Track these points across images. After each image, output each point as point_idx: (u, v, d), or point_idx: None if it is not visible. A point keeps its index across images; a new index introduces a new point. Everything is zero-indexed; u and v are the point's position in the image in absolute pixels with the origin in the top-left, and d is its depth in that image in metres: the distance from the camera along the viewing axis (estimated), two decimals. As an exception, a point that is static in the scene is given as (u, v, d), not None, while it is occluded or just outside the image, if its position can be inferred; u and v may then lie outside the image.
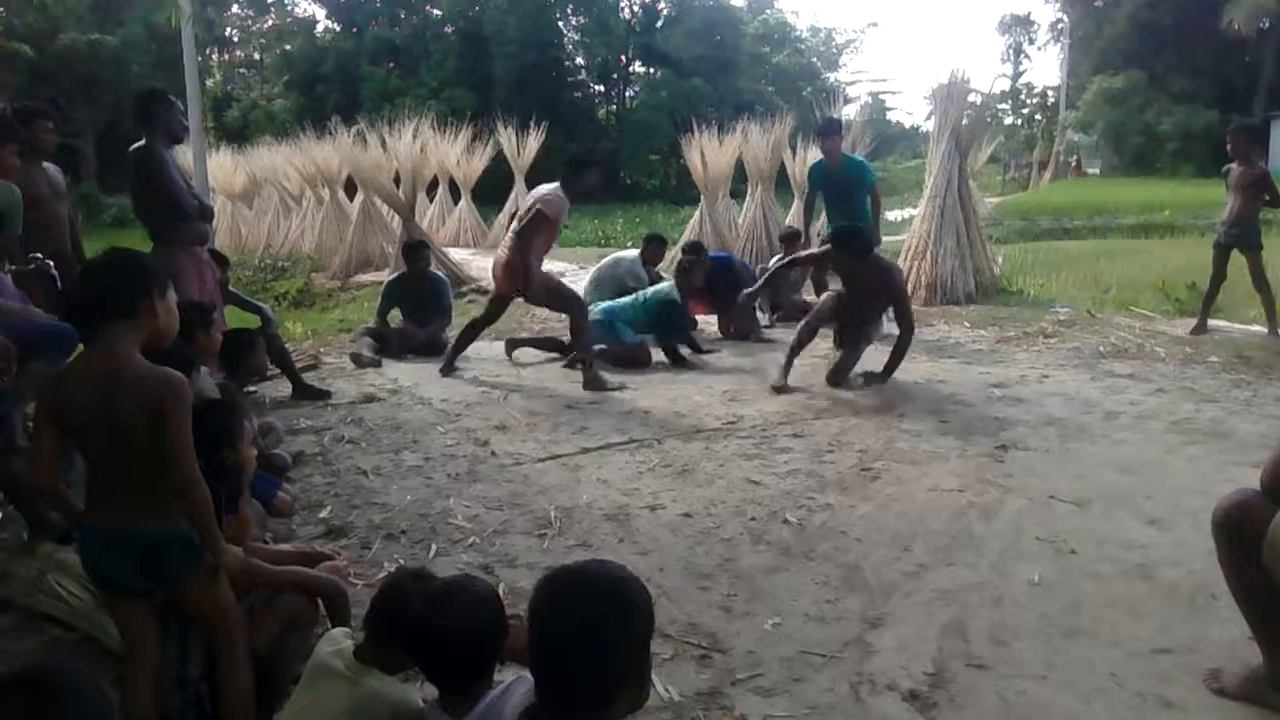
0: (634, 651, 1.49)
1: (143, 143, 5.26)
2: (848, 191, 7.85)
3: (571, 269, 9.25)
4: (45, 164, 5.09)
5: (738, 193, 14.41)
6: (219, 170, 20.70)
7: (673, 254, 13.13)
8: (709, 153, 13.87)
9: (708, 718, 2.62)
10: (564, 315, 7.08)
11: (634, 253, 8.66)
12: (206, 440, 2.56)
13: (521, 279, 6.40)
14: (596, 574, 1.57)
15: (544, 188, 6.51)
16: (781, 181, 14.16)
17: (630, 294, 7.65)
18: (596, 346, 6.79)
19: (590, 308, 7.07)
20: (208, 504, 2.29)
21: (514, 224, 6.54)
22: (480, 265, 14.04)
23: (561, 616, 1.49)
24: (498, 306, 6.95)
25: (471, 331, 6.98)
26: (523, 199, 17.35)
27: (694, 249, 7.98)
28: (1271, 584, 2.47)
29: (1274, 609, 2.52)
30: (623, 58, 41.73)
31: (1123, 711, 2.59)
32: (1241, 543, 2.50)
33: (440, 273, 8.51)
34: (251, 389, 5.84)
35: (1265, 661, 2.58)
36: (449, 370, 6.83)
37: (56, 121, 5.10)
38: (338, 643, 2.30)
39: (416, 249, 8.08)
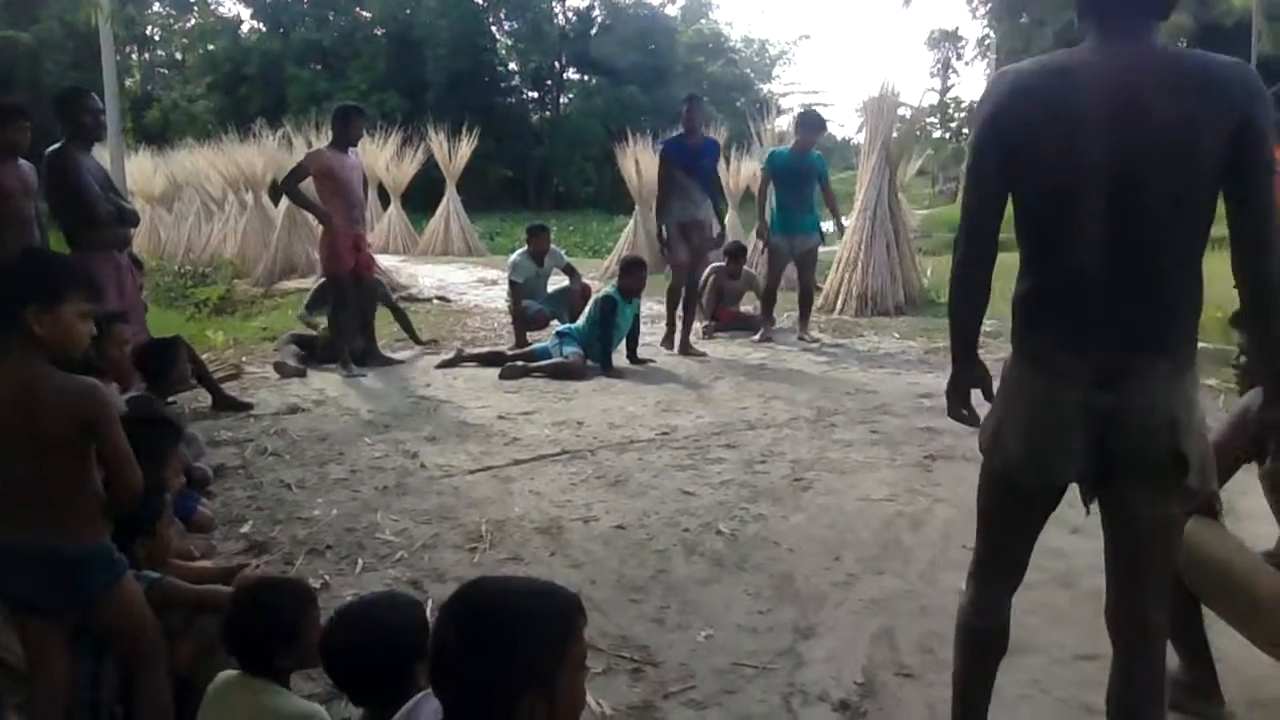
0: (525, 668, 1.41)
1: (58, 145, 5.09)
2: (809, 179, 8.20)
3: (498, 274, 9.08)
4: (20, 161, 4.95)
5: (671, 202, 14.43)
6: (138, 172, 20.11)
7: (608, 264, 13.16)
8: (643, 162, 13.90)
9: (640, 733, 2.59)
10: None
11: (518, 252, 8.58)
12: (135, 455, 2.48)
13: None
14: (482, 594, 1.50)
15: None
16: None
17: (541, 283, 8.45)
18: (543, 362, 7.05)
19: (551, 325, 8.10)
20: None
21: None
22: (409, 272, 13.88)
23: (447, 632, 1.44)
24: None
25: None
26: (455, 205, 17.30)
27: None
28: (1184, 591, 2.53)
29: (1187, 615, 2.59)
30: (556, 64, 41.68)
31: (1047, 718, 2.63)
32: None
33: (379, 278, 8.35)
34: (171, 400, 5.66)
35: (1182, 668, 2.64)
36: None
37: (31, 120, 4.95)
38: (230, 674, 2.23)
39: None
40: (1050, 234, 1.93)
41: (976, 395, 2.16)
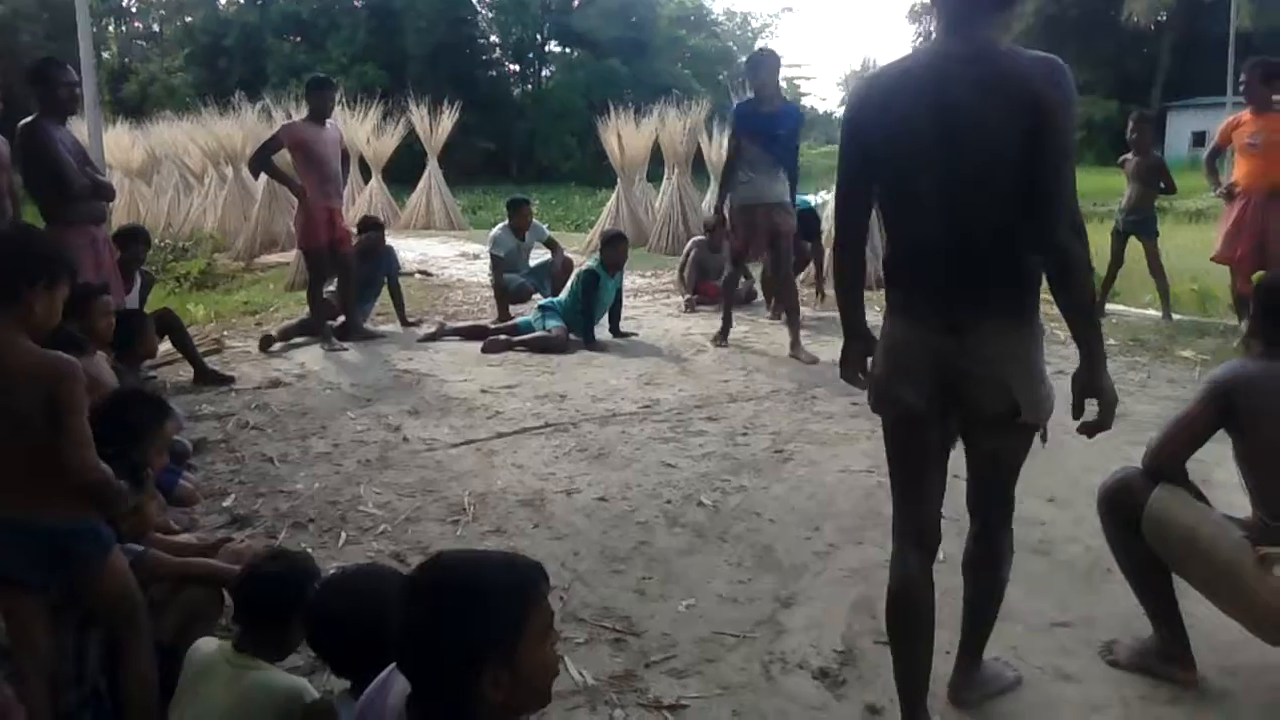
0: (481, 640, 1.42)
1: (31, 118, 5.02)
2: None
3: (480, 248, 9.04)
4: None
5: (654, 176, 14.42)
6: (116, 145, 19.82)
7: (590, 238, 13.12)
8: (626, 135, 13.84)
9: (621, 701, 2.62)
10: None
11: (499, 226, 8.49)
12: (118, 432, 2.48)
13: None
14: (443, 568, 1.52)
15: None
16: (698, 165, 14.21)
17: (523, 256, 8.33)
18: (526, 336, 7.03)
19: (534, 299, 7.85)
20: (109, 486, 2.21)
21: None
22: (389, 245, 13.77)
23: (401, 608, 1.48)
24: None
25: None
26: (437, 179, 17.18)
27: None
28: (1154, 559, 2.58)
29: (1158, 582, 2.64)
30: (538, 37, 41.35)
31: (1025, 686, 2.67)
32: (1125, 520, 2.61)
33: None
34: (151, 374, 5.64)
35: (1154, 633, 2.70)
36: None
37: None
38: (210, 645, 2.24)
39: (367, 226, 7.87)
40: (899, 213, 2.26)
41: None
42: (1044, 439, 2.34)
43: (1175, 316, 7.77)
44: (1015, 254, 2.13)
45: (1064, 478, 4.21)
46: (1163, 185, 7.72)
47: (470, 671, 1.42)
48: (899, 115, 2.14)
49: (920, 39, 55.17)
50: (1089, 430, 2.26)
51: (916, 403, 2.24)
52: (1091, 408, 2.24)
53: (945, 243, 2.15)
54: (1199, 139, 33.66)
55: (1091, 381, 2.19)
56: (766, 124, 6.47)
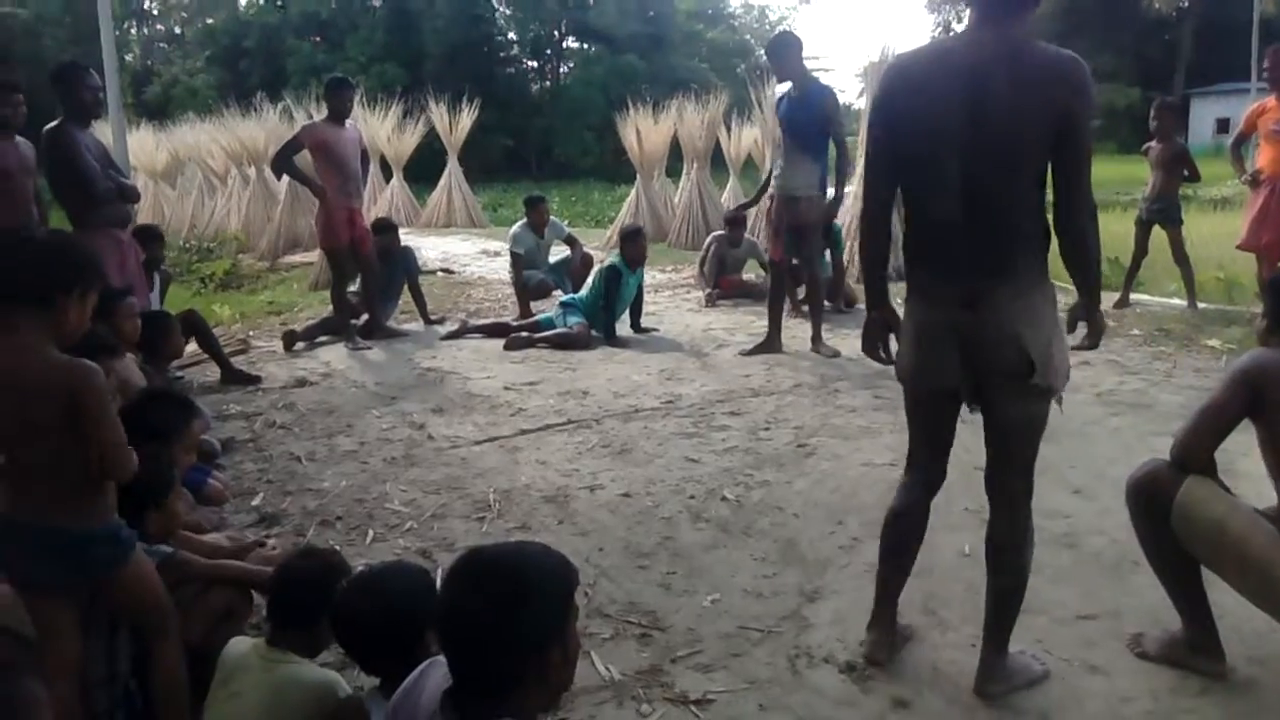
0: (531, 637, 1.48)
1: (55, 123, 5.08)
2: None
3: (500, 245, 9.09)
4: (18, 138, 4.94)
5: (673, 171, 14.41)
6: (140, 148, 20.03)
7: (610, 234, 13.13)
8: (644, 131, 13.85)
9: (648, 695, 2.64)
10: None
11: (519, 224, 8.50)
12: (146, 432, 2.51)
13: None
14: (493, 559, 1.56)
15: None
16: (717, 160, 14.18)
17: (543, 253, 8.44)
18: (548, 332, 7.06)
19: (555, 295, 7.97)
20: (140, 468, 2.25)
21: None
22: (413, 244, 13.84)
23: (454, 601, 1.51)
24: None
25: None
26: (457, 177, 17.23)
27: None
28: (1183, 550, 2.57)
29: (1187, 574, 2.62)
30: (555, 33, 41.34)
31: (1050, 677, 2.67)
32: (1153, 512, 2.59)
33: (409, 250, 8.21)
34: (179, 374, 5.70)
35: (1184, 625, 2.68)
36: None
37: (24, 94, 4.94)
38: (244, 644, 2.26)
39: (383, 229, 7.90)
40: (923, 192, 2.43)
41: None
42: (1060, 404, 2.47)
43: (1200, 305, 7.70)
44: (1025, 228, 2.33)
45: (1089, 470, 4.19)
46: (1186, 173, 7.64)
47: (539, 654, 1.48)
48: (934, 97, 2.30)
49: (939, 29, 54.80)
50: (1082, 346, 2.51)
51: (940, 383, 2.48)
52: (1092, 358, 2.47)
53: (963, 219, 2.33)
54: (1223, 126, 33.31)
55: (1086, 313, 2.45)
56: (789, 109, 6.25)
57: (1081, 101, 2.23)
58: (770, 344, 6.58)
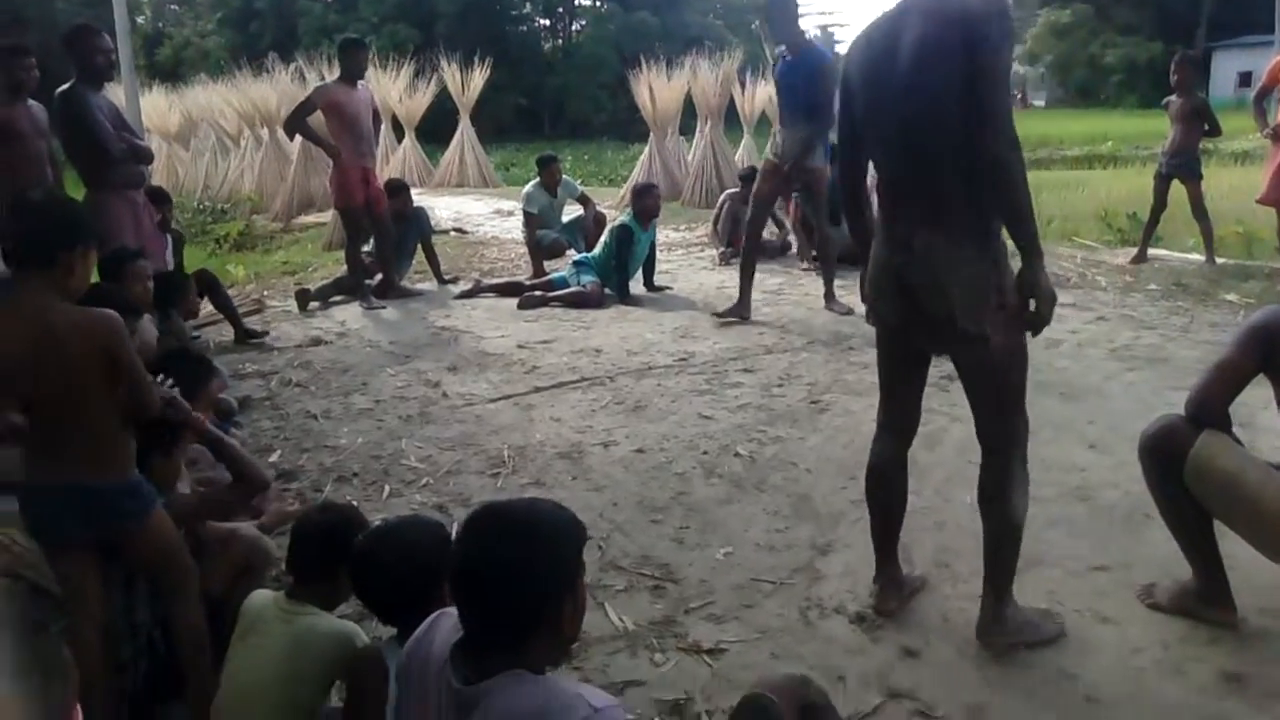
0: (543, 588, 1.50)
1: (68, 85, 5.07)
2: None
3: (514, 205, 9.05)
4: (30, 101, 4.96)
5: (687, 129, 14.29)
6: (153, 110, 20.00)
7: (623, 193, 13.07)
8: (657, 89, 13.70)
9: (661, 645, 2.67)
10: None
11: (531, 184, 8.46)
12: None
13: None
14: (507, 512, 1.58)
15: None
16: (731, 118, 14.05)
17: (556, 213, 8.35)
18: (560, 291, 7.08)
19: (568, 254, 7.87)
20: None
21: None
22: (426, 204, 13.82)
23: (468, 553, 1.53)
24: None
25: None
26: (469, 137, 17.14)
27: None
28: (1195, 504, 2.57)
29: (1199, 527, 2.63)
30: (568, -10, 40.91)
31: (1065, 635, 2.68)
32: (1167, 466, 2.59)
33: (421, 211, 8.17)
34: (196, 334, 5.74)
35: (1195, 576, 2.69)
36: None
37: (36, 57, 4.96)
38: (264, 595, 2.30)
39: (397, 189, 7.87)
40: (879, 158, 2.60)
41: None
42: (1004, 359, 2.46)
43: (1219, 260, 7.62)
44: (958, 174, 2.35)
45: (1104, 424, 4.18)
46: (1207, 127, 7.52)
47: (550, 605, 1.50)
48: (874, 62, 2.46)
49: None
50: (1032, 326, 2.40)
51: (888, 316, 2.61)
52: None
53: (908, 173, 2.46)
54: (1245, 79, 32.72)
55: (1028, 279, 2.34)
56: (784, 74, 6.14)
57: (985, 28, 2.23)
58: (741, 308, 6.41)
